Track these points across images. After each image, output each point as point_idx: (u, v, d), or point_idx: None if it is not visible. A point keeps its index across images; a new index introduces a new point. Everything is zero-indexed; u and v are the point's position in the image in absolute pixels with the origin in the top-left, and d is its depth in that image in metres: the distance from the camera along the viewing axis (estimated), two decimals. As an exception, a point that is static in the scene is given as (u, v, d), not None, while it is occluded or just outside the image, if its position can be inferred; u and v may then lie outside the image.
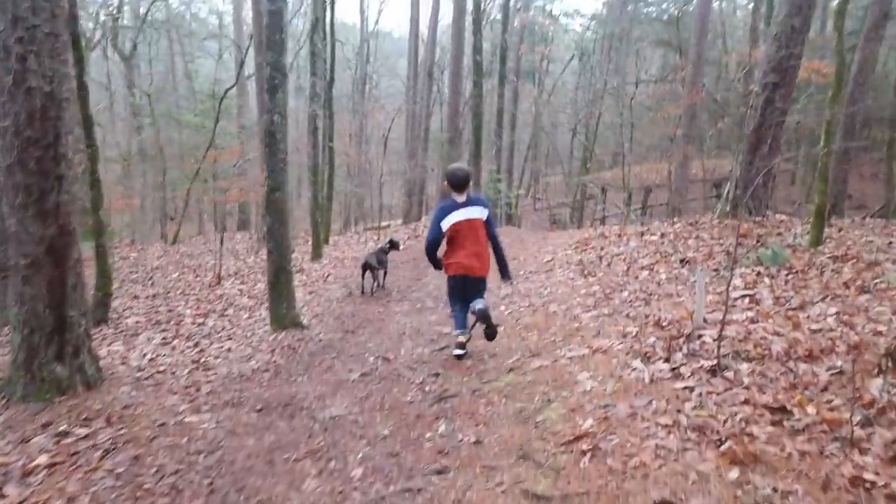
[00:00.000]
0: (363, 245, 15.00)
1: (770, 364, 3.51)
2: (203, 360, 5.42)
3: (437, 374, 4.62)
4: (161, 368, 5.13)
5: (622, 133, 15.06)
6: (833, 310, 4.38)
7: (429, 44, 25.51)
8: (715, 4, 31.82)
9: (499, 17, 29.33)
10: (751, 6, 30.32)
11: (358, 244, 15.46)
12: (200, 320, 7.20)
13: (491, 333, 4.95)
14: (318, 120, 11.17)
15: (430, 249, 4.93)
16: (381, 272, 8.41)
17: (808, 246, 6.40)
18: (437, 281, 8.84)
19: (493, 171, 20.41)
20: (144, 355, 5.64)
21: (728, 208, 8.87)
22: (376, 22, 42.09)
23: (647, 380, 3.57)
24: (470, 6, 16.93)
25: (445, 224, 4.74)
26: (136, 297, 9.61)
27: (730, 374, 3.42)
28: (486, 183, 18.60)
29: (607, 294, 6.10)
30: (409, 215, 22.32)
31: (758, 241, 7.04)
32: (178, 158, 20.12)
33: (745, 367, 3.49)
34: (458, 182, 4.81)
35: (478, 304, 4.76)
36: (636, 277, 6.67)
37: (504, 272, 5.11)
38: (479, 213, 4.81)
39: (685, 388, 3.38)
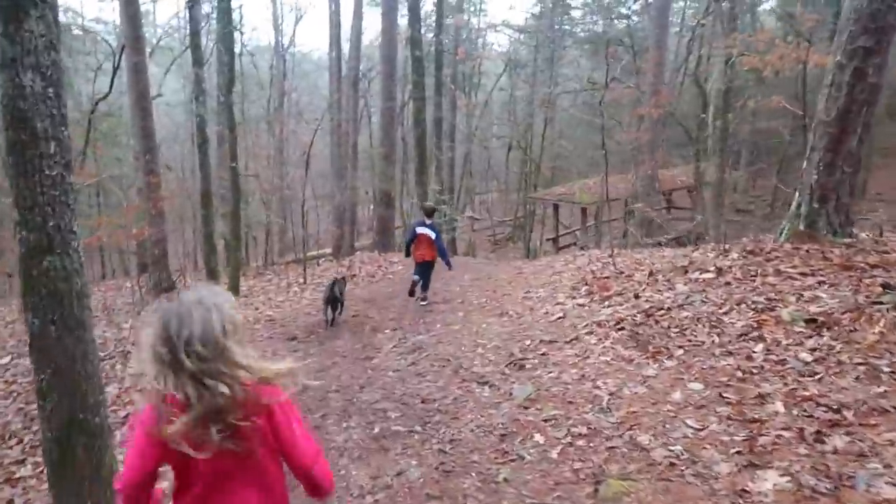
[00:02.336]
0: (286, 290, 11.71)
1: None
2: None
3: None
4: None
5: (603, 134, 12.52)
6: None
7: (352, 50, 22.52)
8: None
9: (429, 22, 26.86)
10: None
11: (279, 289, 12.15)
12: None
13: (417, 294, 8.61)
14: (208, 129, 7.92)
15: (407, 244, 8.68)
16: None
17: None
18: (401, 365, 5.77)
19: (437, 192, 17.56)
20: None
21: (802, 226, 6.30)
22: (292, 37, 38.14)
23: None
24: (403, -5, 14.14)
25: (416, 231, 8.44)
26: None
27: None
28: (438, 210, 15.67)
29: (745, 413, 3.25)
30: (339, 247, 19.06)
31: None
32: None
33: None
34: (428, 213, 8.78)
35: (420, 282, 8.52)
36: (749, 358, 3.89)
37: (448, 266, 8.80)
38: (430, 231, 8.31)
39: None
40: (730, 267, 5.96)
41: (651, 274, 6.51)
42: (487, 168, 32.37)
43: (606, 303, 6.06)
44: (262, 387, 1.60)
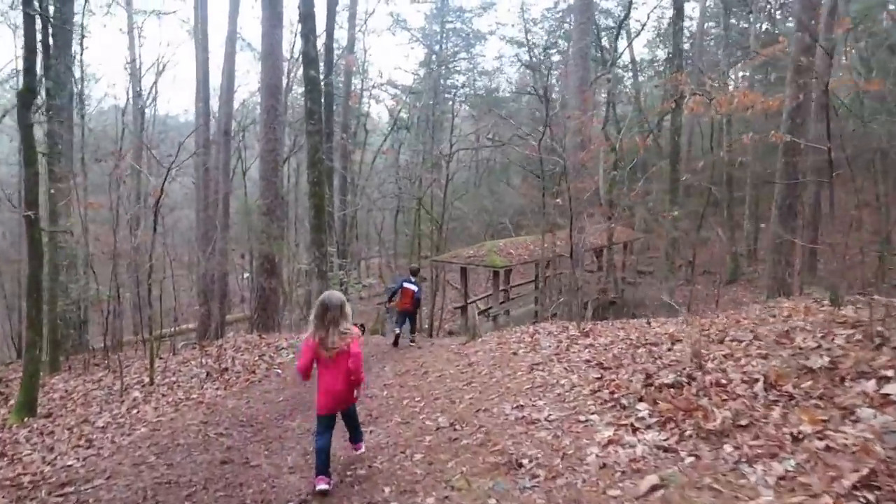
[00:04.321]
0: (119, 399, 7.80)
1: None
2: None
3: None
4: None
5: (544, 191, 10.11)
6: None
7: (224, 94, 19.08)
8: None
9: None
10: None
11: (109, 397, 8.19)
12: None
13: (402, 341, 10.35)
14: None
15: (392, 294, 10.81)
16: None
17: None
18: None
19: (332, 255, 14.27)
20: None
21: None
22: (154, 86, 31.63)
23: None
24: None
25: (403, 285, 10.28)
26: None
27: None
28: (331, 278, 12.33)
29: None
30: (206, 326, 14.98)
31: None
32: None
33: None
34: (413, 272, 10.90)
35: (406, 334, 10.51)
36: None
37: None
38: (414, 287, 10.25)
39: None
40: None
41: (769, 383, 3.75)
42: (380, 231, 29.35)
43: (731, 450, 3.18)
44: (352, 332, 4.10)
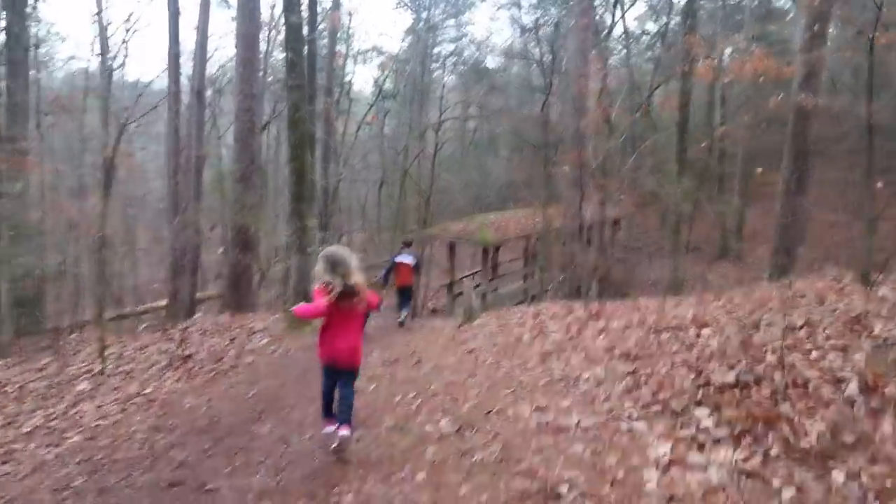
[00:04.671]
0: (59, 394, 6.72)
1: None
2: None
3: None
4: None
5: (545, 159, 9.12)
6: None
7: (198, 49, 17.59)
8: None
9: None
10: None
11: (48, 390, 7.11)
12: None
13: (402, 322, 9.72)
14: None
15: (386, 274, 9.84)
16: None
17: None
18: None
19: (313, 229, 13.10)
20: None
21: None
22: (124, 45, 28.99)
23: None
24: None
25: (395, 261, 9.78)
26: None
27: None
28: (312, 253, 11.17)
29: None
30: (174, 303, 13.81)
31: None
32: None
33: None
34: (407, 243, 10.36)
35: (404, 312, 9.84)
36: None
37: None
38: (409, 259, 9.74)
39: None
40: None
41: (865, 385, 2.80)
42: (364, 204, 28.10)
43: (844, 479, 2.25)
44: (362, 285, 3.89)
